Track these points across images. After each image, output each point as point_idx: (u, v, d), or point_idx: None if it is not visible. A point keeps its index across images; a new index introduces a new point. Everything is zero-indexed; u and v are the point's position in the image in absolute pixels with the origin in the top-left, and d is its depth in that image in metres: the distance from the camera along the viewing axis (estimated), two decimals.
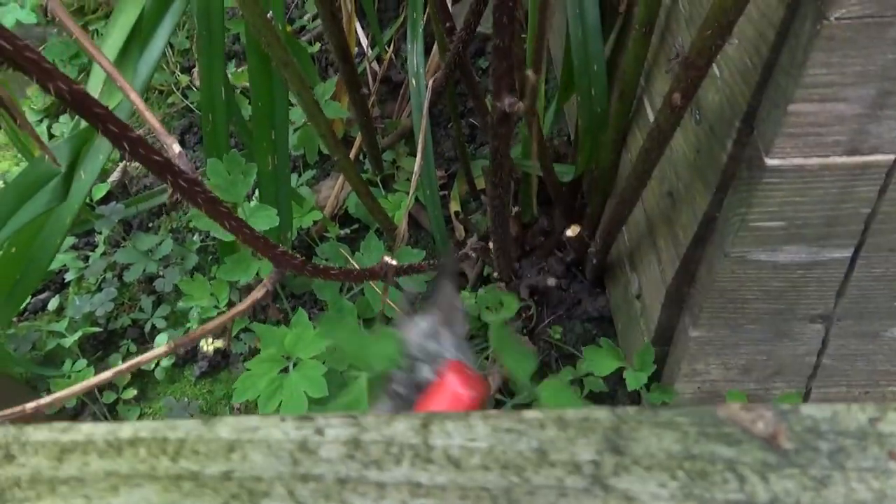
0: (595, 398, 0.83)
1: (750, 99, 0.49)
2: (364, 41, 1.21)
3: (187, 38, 1.32)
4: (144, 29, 0.74)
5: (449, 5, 1.12)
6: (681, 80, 0.49)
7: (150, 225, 1.10)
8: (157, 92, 1.28)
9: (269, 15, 0.64)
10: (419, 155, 0.87)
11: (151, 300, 0.99)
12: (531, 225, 1.01)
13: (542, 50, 0.37)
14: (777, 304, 0.62)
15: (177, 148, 0.42)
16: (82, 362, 0.92)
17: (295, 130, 1.06)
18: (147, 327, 0.97)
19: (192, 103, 1.24)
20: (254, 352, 0.91)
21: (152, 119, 0.47)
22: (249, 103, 1.11)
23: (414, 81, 0.90)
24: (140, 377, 0.95)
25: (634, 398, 0.81)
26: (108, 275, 1.02)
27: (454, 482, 0.14)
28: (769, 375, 0.70)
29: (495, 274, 0.96)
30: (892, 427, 0.15)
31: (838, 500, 0.14)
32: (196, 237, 1.05)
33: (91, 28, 1.33)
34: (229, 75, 1.12)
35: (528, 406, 0.84)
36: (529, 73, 0.39)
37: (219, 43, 0.76)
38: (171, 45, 1.31)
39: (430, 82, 0.87)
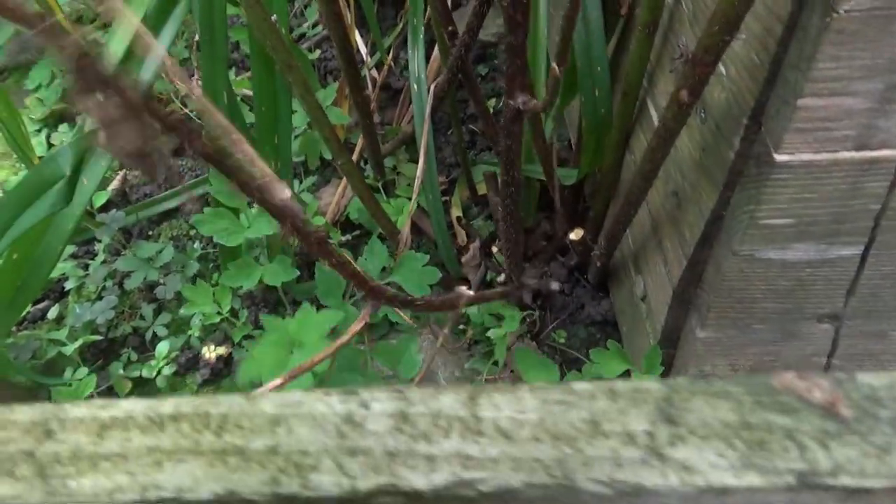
0: None
1: (758, 95, 0.49)
2: (363, 49, 1.21)
3: (186, 47, 1.32)
4: (141, 51, 0.74)
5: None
6: (688, 77, 0.49)
7: (151, 233, 1.09)
8: (157, 101, 1.27)
9: (273, 18, 0.64)
10: (421, 160, 0.87)
11: (152, 308, 0.98)
12: (533, 229, 1.01)
13: (569, 44, 0.37)
14: (785, 304, 0.62)
15: (287, 192, 0.44)
16: (83, 370, 0.91)
17: (296, 137, 1.06)
18: (148, 335, 0.97)
19: (191, 112, 1.24)
20: None
21: (263, 165, 0.48)
22: (251, 110, 1.12)
23: (415, 87, 0.90)
24: (141, 385, 0.94)
25: None
26: (109, 283, 1.01)
27: (506, 454, 0.13)
28: None
29: (499, 279, 0.96)
30: None
31: None
32: (197, 244, 1.04)
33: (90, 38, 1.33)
34: (231, 82, 1.12)
35: None
36: (554, 66, 0.39)
37: (221, 49, 0.76)
38: (171, 55, 1.31)
39: (432, 88, 0.87)
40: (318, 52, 1.23)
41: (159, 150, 0.31)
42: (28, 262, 0.71)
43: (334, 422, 0.14)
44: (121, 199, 1.13)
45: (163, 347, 0.94)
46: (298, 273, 0.82)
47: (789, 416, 0.14)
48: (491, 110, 1.18)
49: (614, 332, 0.92)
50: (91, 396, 0.89)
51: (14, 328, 0.96)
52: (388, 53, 1.21)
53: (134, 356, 0.95)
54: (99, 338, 0.95)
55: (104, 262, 1.02)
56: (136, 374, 0.93)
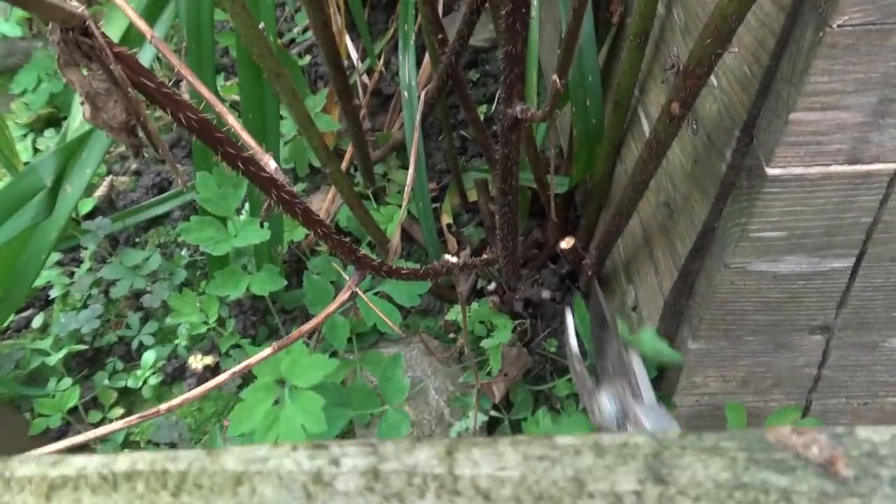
0: None
1: (749, 108, 0.48)
2: (354, 54, 1.20)
3: (174, 51, 1.30)
4: (132, 43, 0.72)
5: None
6: (679, 89, 0.49)
7: (137, 240, 1.08)
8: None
9: (260, 26, 0.63)
10: (412, 167, 0.86)
11: (139, 316, 0.97)
12: (524, 237, 1.00)
13: (571, 56, 0.37)
14: (777, 315, 0.61)
15: (273, 164, 0.44)
16: (67, 381, 0.90)
17: (285, 143, 1.05)
18: (134, 344, 0.95)
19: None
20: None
21: (248, 137, 0.47)
22: (239, 117, 1.10)
23: (406, 94, 0.89)
24: (126, 395, 0.93)
25: None
26: (94, 291, 1.00)
27: None
28: (768, 388, 0.70)
29: (490, 286, 0.95)
30: None
31: None
32: (185, 252, 1.03)
33: None
34: (218, 88, 1.11)
35: (524, 421, 0.83)
36: (555, 78, 0.38)
37: (208, 56, 0.75)
38: (159, 59, 1.30)
39: (423, 94, 0.86)
40: (308, 58, 1.22)
41: (148, 126, 0.30)
42: (10, 272, 0.70)
43: (302, 481, 0.13)
44: (107, 205, 1.12)
45: (149, 357, 0.92)
46: (286, 282, 0.81)
47: (786, 476, 0.13)
48: (482, 116, 1.18)
49: None
50: (75, 408, 0.87)
51: None
52: (379, 59, 1.20)
53: (119, 365, 0.94)
54: (84, 347, 0.93)
55: (90, 269, 1.01)
56: (121, 384, 0.92)
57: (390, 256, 0.89)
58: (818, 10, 0.40)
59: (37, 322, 0.98)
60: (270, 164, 0.51)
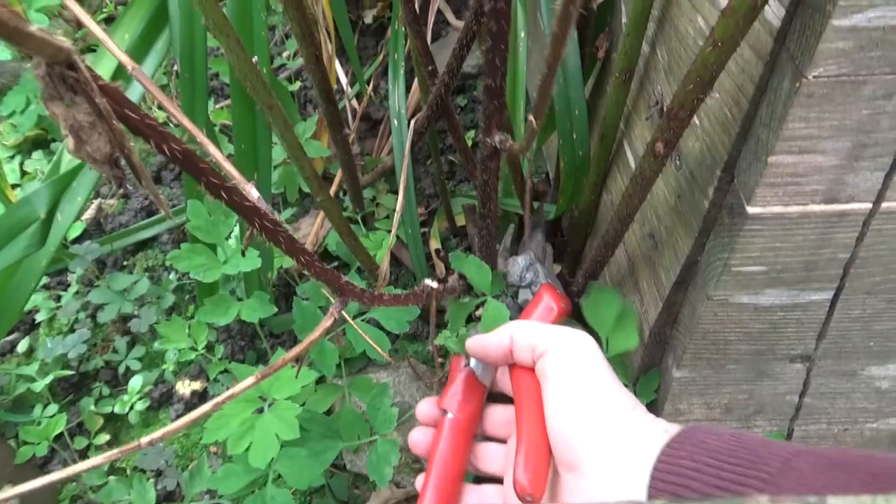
0: None
1: (730, 148, 0.50)
2: (344, 79, 1.22)
3: (165, 73, 1.31)
4: (125, 77, 0.73)
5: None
6: (663, 130, 0.51)
7: (126, 263, 1.08)
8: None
9: (254, 60, 0.64)
10: (401, 195, 0.87)
11: (126, 341, 0.97)
12: None
13: (546, 100, 0.38)
14: (758, 345, 0.63)
15: (255, 193, 0.45)
16: (53, 407, 0.89)
17: (275, 168, 1.06)
18: (121, 369, 0.95)
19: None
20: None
21: (231, 168, 0.48)
22: (229, 141, 1.11)
23: (396, 121, 0.91)
24: (113, 421, 0.92)
25: None
26: (82, 315, 0.99)
27: None
28: (751, 414, 0.71)
29: (478, 312, 0.96)
30: None
31: None
32: (172, 275, 1.03)
33: None
34: (209, 113, 1.12)
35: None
36: (531, 118, 0.40)
37: (202, 84, 0.76)
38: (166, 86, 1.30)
39: (412, 123, 0.88)
40: (297, 83, 1.23)
41: (132, 158, 0.31)
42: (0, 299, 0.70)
43: None
44: (95, 228, 1.12)
45: (136, 382, 0.92)
46: (276, 309, 0.82)
47: None
48: (470, 142, 1.19)
49: None
50: (60, 434, 0.87)
51: None
52: (369, 84, 1.22)
53: (106, 391, 0.94)
54: (70, 372, 0.93)
55: (77, 293, 1.00)
56: (107, 409, 0.91)
57: (379, 284, 0.90)
58: (794, 61, 0.42)
59: (22, 346, 0.98)
60: (253, 194, 0.52)
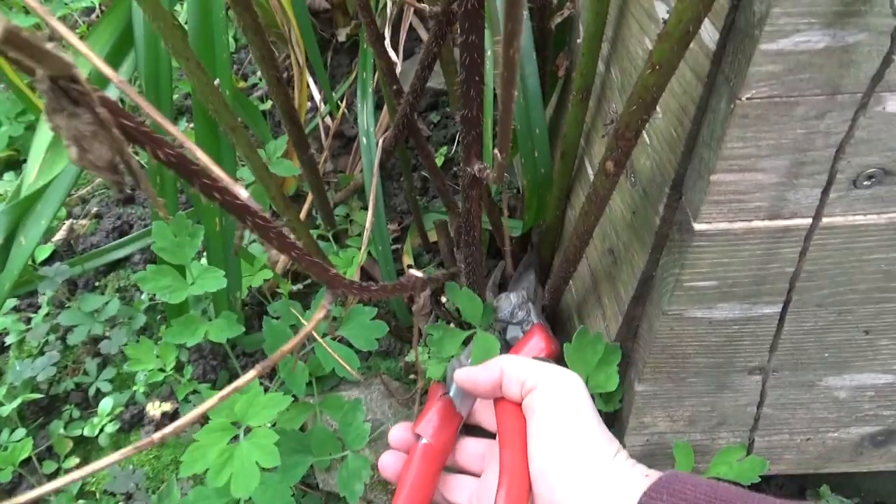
0: None
1: (677, 167, 0.51)
2: (317, 95, 1.23)
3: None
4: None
5: (399, 62, 1.15)
6: (612, 149, 0.52)
7: (98, 284, 1.07)
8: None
9: (216, 82, 0.65)
10: (370, 213, 0.88)
11: (96, 363, 0.96)
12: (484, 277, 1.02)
13: (508, 134, 0.40)
14: (716, 358, 0.64)
15: (245, 193, 0.46)
16: (21, 431, 0.88)
17: (248, 186, 1.06)
18: (91, 391, 0.94)
19: (140, 160, 1.23)
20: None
21: (219, 170, 0.49)
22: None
23: (364, 140, 0.92)
24: (83, 444, 0.92)
25: None
26: (52, 337, 0.99)
27: None
28: (714, 426, 0.72)
29: (450, 327, 0.97)
30: None
31: None
32: (144, 296, 1.03)
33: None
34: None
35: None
36: (496, 152, 0.41)
37: (167, 106, 0.76)
38: (122, 101, 1.31)
39: (381, 141, 0.89)
40: (269, 103, 1.24)
41: (131, 163, 0.31)
42: None
43: None
44: (66, 249, 1.11)
45: (106, 404, 0.92)
46: (244, 330, 0.82)
47: None
48: (443, 158, 1.20)
49: None
50: (28, 459, 0.86)
51: None
52: (342, 101, 1.23)
53: (76, 413, 0.93)
54: (40, 395, 0.92)
55: (48, 315, 1.00)
56: (77, 432, 0.91)
57: (349, 300, 0.91)
58: (729, 83, 0.43)
59: None
60: (242, 194, 0.53)
